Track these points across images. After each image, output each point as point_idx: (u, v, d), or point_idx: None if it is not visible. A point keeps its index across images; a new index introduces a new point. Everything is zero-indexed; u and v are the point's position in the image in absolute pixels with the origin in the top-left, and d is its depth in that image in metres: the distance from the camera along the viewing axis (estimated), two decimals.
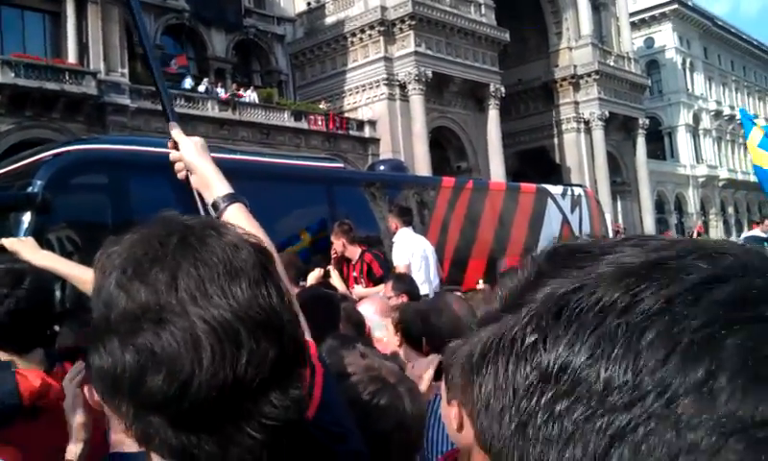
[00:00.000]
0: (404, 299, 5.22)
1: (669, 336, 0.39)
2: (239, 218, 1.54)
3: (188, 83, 33.29)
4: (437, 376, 2.68)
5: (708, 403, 0.37)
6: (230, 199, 1.68)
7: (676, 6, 64.27)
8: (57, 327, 3.16)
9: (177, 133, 1.90)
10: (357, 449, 1.27)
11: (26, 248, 2.83)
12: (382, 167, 16.07)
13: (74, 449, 1.92)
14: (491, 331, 0.48)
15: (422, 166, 34.03)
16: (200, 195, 1.77)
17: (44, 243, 7.73)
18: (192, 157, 1.84)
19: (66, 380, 1.96)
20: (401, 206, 9.32)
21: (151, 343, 0.86)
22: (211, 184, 1.74)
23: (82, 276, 2.71)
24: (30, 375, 2.40)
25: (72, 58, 28.04)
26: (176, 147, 1.88)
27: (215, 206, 1.66)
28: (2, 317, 2.41)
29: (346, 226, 7.51)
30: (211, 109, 32.07)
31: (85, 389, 1.94)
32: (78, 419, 1.92)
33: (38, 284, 2.61)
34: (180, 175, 1.85)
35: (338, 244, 7.31)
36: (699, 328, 0.39)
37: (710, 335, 0.39)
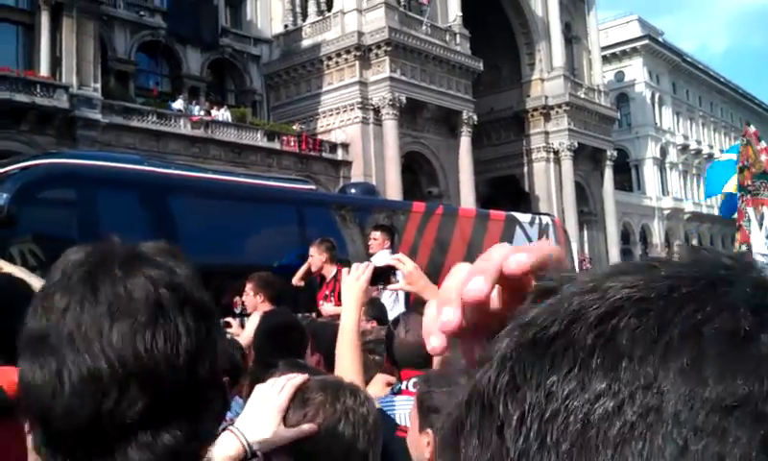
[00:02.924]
0: (374, 324, 5.27)
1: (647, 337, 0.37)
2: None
3: (180, 103, 33.12)
4: (375, 280, 2.85)
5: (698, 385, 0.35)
6: None
7: (647, 41, 65.73)
8: None
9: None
10: None
11: None
12: (353, 190, 16.17)
13: None
14: (467, 388, 0.42)
15: (394, 190, 34.20)
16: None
17: (8, 256, 7.66)
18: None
19: None
20: (388, 226, 9.32)
21: (26, 368, 0.92)
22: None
23: (29, 280, 2.78)
24: (4, 370, 2.40)
25: (44, 70, 27.79)
26: None
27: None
28: None
29: (329, 243, 7.56)
30: (183, 127, 31.96)
31: None
32: None
33: (6, 291, 2.62)
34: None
35: (319, 259, 7.33)
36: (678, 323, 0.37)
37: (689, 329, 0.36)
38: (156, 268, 0.97)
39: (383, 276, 2.94)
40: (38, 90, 26.52)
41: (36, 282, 2.93)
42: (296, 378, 1.76)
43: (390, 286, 3.07)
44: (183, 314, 0.95)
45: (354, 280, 2.78)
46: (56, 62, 28.13)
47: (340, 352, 2.69)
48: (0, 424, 2.02)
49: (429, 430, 2.05)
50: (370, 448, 1.69)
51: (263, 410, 1.70)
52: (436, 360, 2.88)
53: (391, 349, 3.15)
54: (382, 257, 7.03)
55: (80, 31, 28.60)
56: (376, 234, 7.78)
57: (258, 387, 1.78)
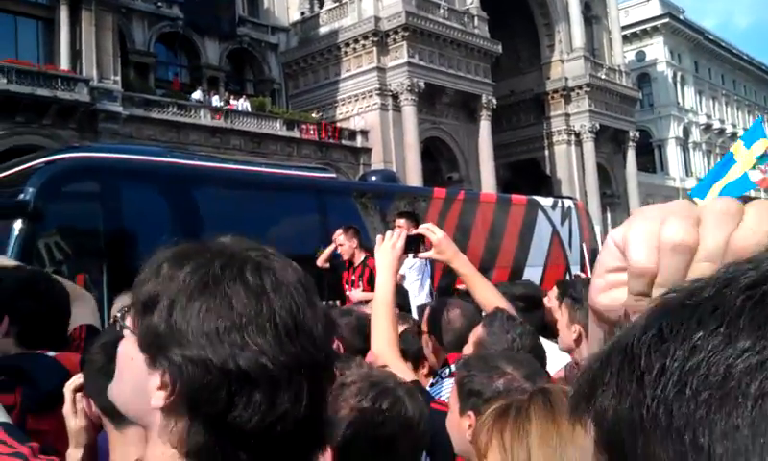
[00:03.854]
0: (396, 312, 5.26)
1: None
2: None
3: (198, 94, 33.34)
4: (405, 249, 2.84)
5: None
6: None
7: (667, 20, 64.80)
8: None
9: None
10: None
11: None
12: (374, 177, 16.12)
13: (74, 454, 1.93)
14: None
15: (414, 177, 34.12)
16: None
17: (35, 250, 7.74)
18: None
19: (66, 386, 1.99)
20: (413, 213, 9.31)
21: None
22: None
23: None
24: (68, 355, 2.44)
25: (65, 64, 28.01)
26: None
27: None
28: (21, 321, 2.47)
29: (355, 229, 7.65)
30: (203, 118, 32.09)
31: (83, 399, 1.96)
32: (78, 422, 1.94)
33: (53, 289, 2.67)
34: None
35: (350, 246, 7.38)
36: None
37: None
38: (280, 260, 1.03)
39: (412, 245, 2.93)
40: (60, 84, 26.74)
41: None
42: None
43: (420, 255, 3.06)
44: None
45: (390, 248, 2.76)
46: (76, 56, 28.35)
47: (376, 322, 2.67)
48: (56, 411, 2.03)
49: (471, 413, 2.04)
50: (414, 455, 1.66)
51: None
52: (472, 336, 2.85)
53: (439, 331, 3.14)
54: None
55: (99, 24, 28.78)
56: (401, 221, 7.77)
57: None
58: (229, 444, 0.93)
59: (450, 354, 3.08)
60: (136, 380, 0.99)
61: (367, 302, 6.27)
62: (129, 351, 1.02)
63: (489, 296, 3.00)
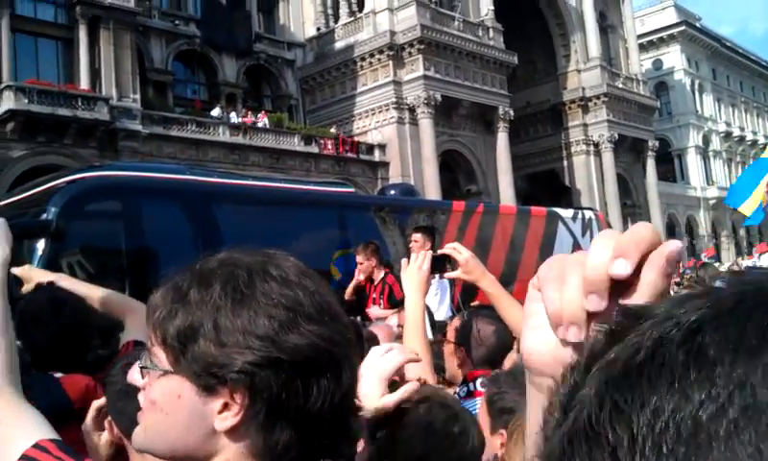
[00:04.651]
0: None
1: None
2: None
3: (216, 111, 33.65)
4: (432, 270, 2.83)
5: None
6: None
7: (684, 28, 64.47)
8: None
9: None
10: None
11: (33, 273, 3.02)
12: (393, 191, 16.11)
13: None
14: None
15: (432, 190, 34.08)
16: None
17: (58, 270, 7.78)
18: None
19: (93, 404, 2.04)
20: (429, 227, 9.26)
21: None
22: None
23: (89, 293, 2.84)
24: (74, 378, 2.47)
25: (84, 84, 28.33)
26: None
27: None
28: (44, 343, 2.49)
29: (374, 245, 7.58)
30: (222, 134, 32.30)
31: (105, 422, 1.99)
32: (104, 437, 1.98)
33: (78, 311, 2.67)
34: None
35: (369, 264, 7.33)
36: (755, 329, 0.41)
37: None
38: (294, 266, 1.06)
39: (438, 265, 2.89)
40: (80, 104, 27.05)
41: (74, 287, 2.98)
42: (409, 353, 1.70)
43: (446, 275, 3.02)
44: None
45: (417, 269, 2.73)
46: (95, 75, 28.69)
47: (409, 344, 2.63)
48: (62, 430, 2.05)
49: (503, 431, 2.00)
50: None
51: (367, 377, 1.61)
52: (507, 362, 2.81)
53: (468, 345, 3.11)
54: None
55: (117, 43, 29.12)
56: (417, 236, 7.73)
57: (372, 351, 1.70)
58: (308, 431, 0.97)
59: (472, 371, 3.03)
60: (189, 415, 0.98)
61: (384, 319, 6.22)
62: (173, 391, 0.99)
63: (518, 316, 2.95)
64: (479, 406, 2.40)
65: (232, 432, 0.96)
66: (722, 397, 0.40)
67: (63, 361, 2.59)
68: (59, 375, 2.50)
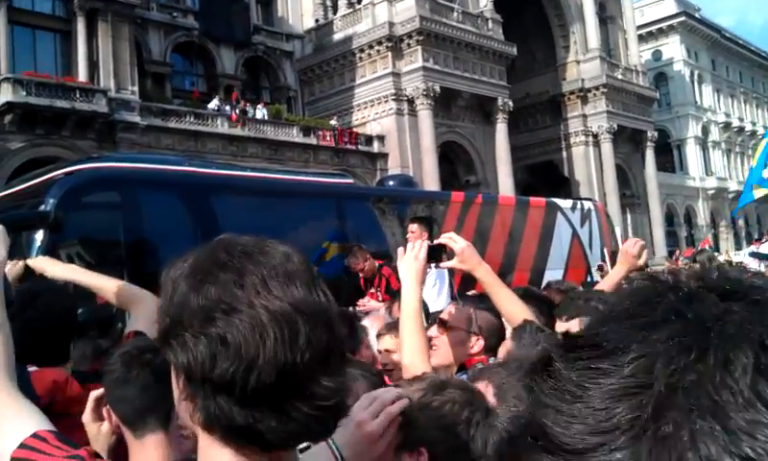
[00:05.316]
0: None
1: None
2: None
3: (214, 103, 33.51)
4: (428, 259, 2.82)
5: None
6: None
7: (683, 18, 64.30)
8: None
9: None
10: None
11: (47, 264, 3.07)
12: (391, 182, 16.09)
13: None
14: None
15: (431, 181, 34.06)
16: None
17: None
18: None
19: (92, 394, 2.04)
20: (426, 218, 9.27)
21: (222, 332, 0.97)
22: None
23: (101, 284, 2.86)
24: (43, 373, 2.46)
25: (82, 76, 28.26)
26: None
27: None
28: (17, 335, 2.49)
29: (358, 246, 7.65)
30: (221, 126, 32.25)
31: (104, 411, 2.00)
32: (104, 426, 1.99)
33: (53, 303, 2.67)
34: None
35: (369, 264, 7.41)
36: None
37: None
38: (285, 247, 1.10)
39: (434, 254, 2.88)
40: (78, 96, 27.00)
41: (84, 278, 2.99)
42: (393, 407, 1.45)
43: (442, 264, 3.02)
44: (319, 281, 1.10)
45: (414, 259, 2.73)
46: (93, 67, 28.61)
47: (405, 336, 2.62)
48: None
49: None
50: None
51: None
52: (501, 350, 2.81)
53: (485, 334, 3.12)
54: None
55: (115, 35, 29.04)
56: (413, 227, 7.74)
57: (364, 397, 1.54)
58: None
59: (470, 358, 3.03)
60: None
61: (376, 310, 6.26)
62: None
63: (513, 307, 2.95)
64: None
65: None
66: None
67: (37, 354, 2.57)
68: (33, 368, 2.49)
